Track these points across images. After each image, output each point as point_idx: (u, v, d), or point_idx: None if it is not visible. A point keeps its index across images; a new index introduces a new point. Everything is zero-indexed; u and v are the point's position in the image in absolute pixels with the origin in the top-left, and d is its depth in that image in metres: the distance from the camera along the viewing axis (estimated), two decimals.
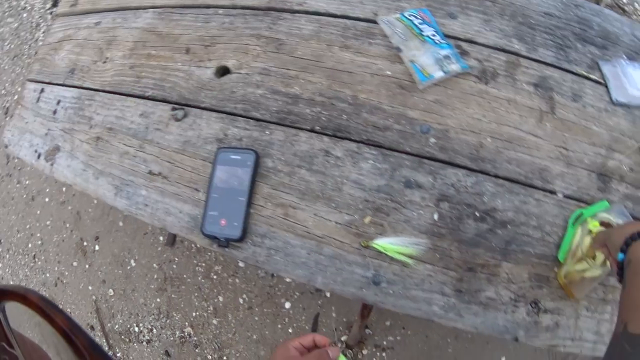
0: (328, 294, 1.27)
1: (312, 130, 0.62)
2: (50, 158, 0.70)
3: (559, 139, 0.64)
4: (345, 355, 0.51)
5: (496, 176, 0.61)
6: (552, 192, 0.63)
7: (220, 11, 0.71)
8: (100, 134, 0.69)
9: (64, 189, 1.48)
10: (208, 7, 0.71)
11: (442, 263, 0.58)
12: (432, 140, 0.61)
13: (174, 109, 0.67)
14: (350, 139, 0.61)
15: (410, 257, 0.57)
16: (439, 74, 0.62)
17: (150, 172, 0.66)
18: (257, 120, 0.64)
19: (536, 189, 0.62)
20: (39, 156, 0.71)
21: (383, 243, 0.57)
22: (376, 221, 0.58)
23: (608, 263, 0.59)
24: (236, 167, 0.62)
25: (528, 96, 0.65)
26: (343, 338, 1.23)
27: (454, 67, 0.63)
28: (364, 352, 1.24)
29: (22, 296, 0.23)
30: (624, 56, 0.77)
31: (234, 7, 0.71)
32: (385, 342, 1.25)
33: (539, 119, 0.64)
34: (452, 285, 0.58)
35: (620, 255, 0.50)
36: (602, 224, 0.63)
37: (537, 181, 0.62)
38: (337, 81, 0.64)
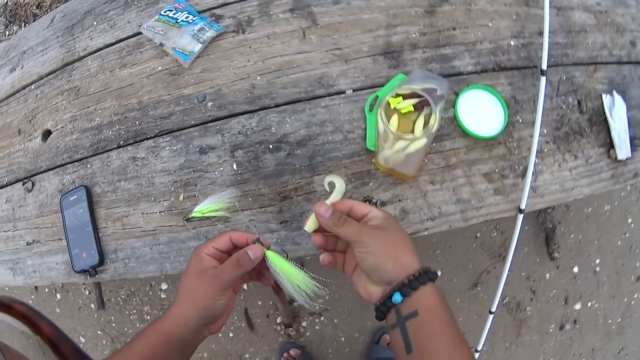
0: (245, 287, 1.31)
1: (118, 147, 0.70)
2: None
3: (329, 44, 0.67)
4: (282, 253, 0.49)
5: (276, 105, 0.65)
6: (341, 92, 0.65)
7: (33, 86, 0.82)
8: None
9: None
10: (24, 87, 0.83)
11: (257, 204, 0.62)
12: (210, 104, 0.67)
13: (23, 183, 0.78)
14: (147, 138, 0.68)
15: (226, 210, 0.62)
16: (197, 47, 0.69)
17: (27, 243, 0.77)
18: (80, 160, 0.73)
19: (321, 98, 0.65)
20: None
21: (199, 209, 0.62)
22: (189, 195, 0.64)
23: (431, 125, 0.59)
24: (76, 205, 0.71)
25: (286, 23, 0.69)
26: (278, 320, 1.26)
27: (209, 34, 0.69)
28: (303, 324, 1.26)
29: (7, 306, 0.24)
30: None
31: (41, 78, 0.82)
32: (317, 307, 1.27)
33: (302, 37, 0.68)
34: (275, 219, 0.62)
35: (398, 297, 0.39)
36: (407, 96, 0.64)
37: (319, 90, 0.65)
38: (124, 97, 0.72)
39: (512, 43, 0.70)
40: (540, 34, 0.69)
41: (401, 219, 0.61)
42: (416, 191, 0.62)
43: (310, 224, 0.49)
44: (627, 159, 0.66)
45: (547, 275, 1.28)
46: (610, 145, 0.66)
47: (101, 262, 0.68)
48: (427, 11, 0.69)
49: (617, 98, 0.68)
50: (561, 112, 0.66)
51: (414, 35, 0.68)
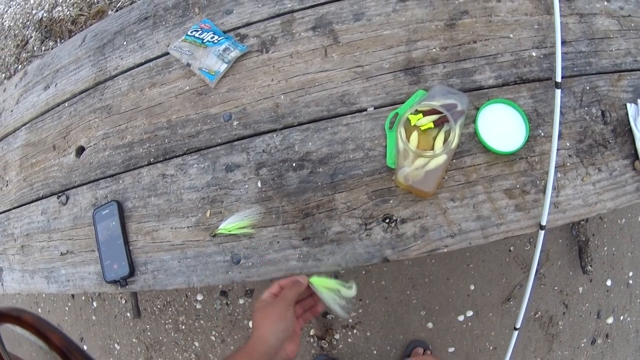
0: None
1: (149, 164, 0.83)
2: None
3: (350, 62, 0.77)
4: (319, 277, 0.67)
5: (300, 124, 0.75)
6: (362, 110, 0.75)
7: (66, 104, 0.98)
8: (23, 242, 0.98)
9: (39, 310, 1.82)
10: (58, 105, 0.99)
11: (281, 220, 0.73)
12: (235, 123, 0.78)
13: (58, 197, 0.94)
14: (176, 156, 0.81)
15: (251, 227, 0.74)
16: (222, 67, 0.81)
17: (61, 254, 0.92)
18: (112, 176, 0.87)
19: (343, 116, 0.75)
20: None
21: (224, 226, 0.74)
22: (215, 211, 0.76)
23: (450, 141, 0.68)
24: (108, 219, 0.85)
25: (308, 41, 0.80)
26: (312, 332, 1.37)
27: (233, 54, 0.81)
28: (336, 336, 1.37)
29: (15, 318, 0.26)
30: None
31: (74, 96, 0.97)
32: (350, 320, 1.38)
33: (324, 55, 0.78)
34: (297, 236, 0.72)
35: None
36: (427, 112, 0.73)
37: (341, 109, 0.75)
38: (154, 115, 0.85)
39: (533, 54, 0.77)
40: (563, 43, 0.77)
41: (421, 236, 0.70)
42: (436, 208, 0.71)
43: None
44: None
45: (580, 289, 1.36)
46: (635, 156, 0.71)
47: (131, 273, 0.81)
48: (447, 25, 0.78)
49: None
50: (584, 123, 0.72)
51: (434, 50, 0.77)
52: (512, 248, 1.37)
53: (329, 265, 0.70)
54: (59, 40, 1.64)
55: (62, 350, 0.25)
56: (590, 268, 1.32)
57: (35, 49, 1.69)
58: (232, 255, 0.74)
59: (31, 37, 1.70)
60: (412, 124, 0.72)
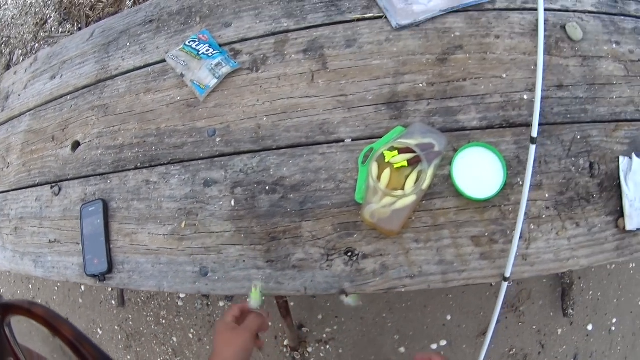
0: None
1: (135, 168, 0.89)
2: None
3: (335, 89, 0.80)
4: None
5: (278, 148, 0.79)
6: (339, 141, 0.78)
7: (69, 97, 1.05)
8: (17, 224, 1.06)
9: (30, 286, 1.94)
10: (61, 96, 1.06)
11: (248, 241, 0.78)
12: (218, 139, 0.83)
13: (52, 187, 1.02)
14: (160, 164, 0.86)
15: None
16: (213, 82, 0.85)
17: (49, 241, 1.00)
18: (101, 174, 0.94)
19: (320, 145, 0.78)
20: None
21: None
22: (190, 223, 0.81)
23: (423, 179, 0.71)
24: (93, 216, 0.92)
25: (297, 64, 0.83)
26: (285, 342, 1.43)
27: (224, 69, 0.85)
28: (309, 349, 1.43)
29: (26, 310, 0.27)
30: None
31: (76, 90, 1.04)
32: (324, 335, 1.43)
33: (311, 80, 0.81)
34: (262, 257, 0.77)
35: None
36: (403, 150, 0.75)
37: (319, 137, 0.79)
38: (145, 121, 0.90)
39: (525, 97, 0.76)
40: (559, 87, 0.76)
41: (380, 273, 0.73)
42: (399, 247, 0.74)
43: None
44: (637, 230, 0.70)
45: (559, 331, 1.37)
46: (620, 213, 0.70)
47: (109, 270, 0.88)
48: (439, 59, 0.80)
49: (637, 162, 0.72)
50: (569, 175, 0.72)
51: (421, 85, 0.79)
52: (493, 283, 1.38)
53: (289, 289, 0.75)
54: (75, 24, 1.72)
55: (72, 343, 0.26)
56: (571, 311, 1.33)
57: (52, 29, 1.78)
58: (200, 267, 0.79)
59: (50, 17, 1.79)
60: (386, 161, 0.75)
